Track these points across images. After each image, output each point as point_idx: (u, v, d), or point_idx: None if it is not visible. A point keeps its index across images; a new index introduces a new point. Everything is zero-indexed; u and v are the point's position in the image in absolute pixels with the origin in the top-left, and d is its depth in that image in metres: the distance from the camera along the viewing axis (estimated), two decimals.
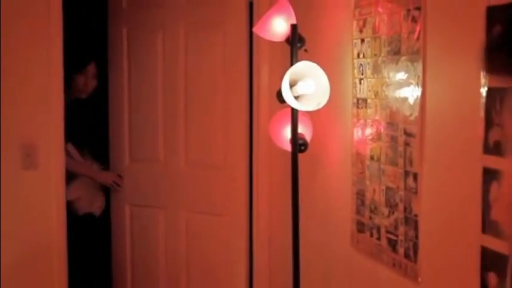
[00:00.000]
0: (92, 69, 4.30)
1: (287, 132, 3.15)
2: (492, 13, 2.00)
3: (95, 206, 4.59)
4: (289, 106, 3.04)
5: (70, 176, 4.19)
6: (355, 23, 2.96)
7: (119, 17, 4.54)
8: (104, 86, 4.50)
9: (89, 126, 4.57)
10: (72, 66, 4.08)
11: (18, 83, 3.66)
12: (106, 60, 4.54)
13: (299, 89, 2.99)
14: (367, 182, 2.89)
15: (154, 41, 4.36)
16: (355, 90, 2.97)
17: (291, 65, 3.02)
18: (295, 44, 3.06)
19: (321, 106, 2.94)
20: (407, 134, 2.54)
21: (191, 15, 4.22)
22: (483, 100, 2.02)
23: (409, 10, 2.51)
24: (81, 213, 4.50)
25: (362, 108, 2.91)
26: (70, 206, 4.33)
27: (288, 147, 3.15)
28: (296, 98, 2.99)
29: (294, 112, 3.07)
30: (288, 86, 2.93)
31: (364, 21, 2.87)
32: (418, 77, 2.45)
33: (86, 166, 4.53)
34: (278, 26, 3.09)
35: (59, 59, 3.67)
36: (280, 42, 3.18)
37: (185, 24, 4.24)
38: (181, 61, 4.26)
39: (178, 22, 4.25)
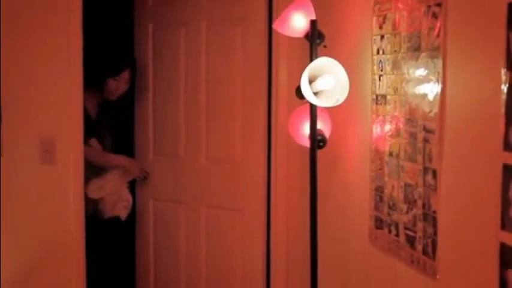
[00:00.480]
0: (125, 75, 4.33)
1: (306, 128, 3.15)
2: None
3: (120, 207, 4.55)
4: (308, 102, 3.04)
5: (92, 173, 4.22)
6: (374, 19, 2.96)
7: (144, 14, 4.58)
8: (131, 85, 4.54)
9: (116, 123, 4.62)
10: (108, 70, 4.24)
11: (37, 79, 3.69)
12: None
13: (318, 85, 2.99)
14: (386, 179, 2.88)
15: (178, 37, 4.39)
16: (375, 86, 2.97)
17: (310, 61, 3.02)
18: (315, 40, 3.06)
19: (340, 102, 2.93)
20: (427, 130, 2.54)
21: (212, 11, 4.23)
22: (504, 97, 2.02)
23: (429, 6, 2.50)
24: (105, 217, 4.49)
25: (381, 104, 2.91)
26: (94, 209, 4.36)
27: (307, 143, 3.15)
28: (315, 94, 2.99)
29: (313, 108, 3.07)
30: (307, 82, 2.93)
31: (384, 17, 2.87)
32: (438, 73, 2.44)
33: (114, 157, 4.55)
34: (297, 22, 3.09)
35: (78, 56, 3.70)
36: (299, 38, 3.18)
37: (206, 20, 4.25)
38: (202, 58, 4.27)
39: (200, 18, 4.26)
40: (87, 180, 3.97)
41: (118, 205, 4.55)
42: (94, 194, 4.36)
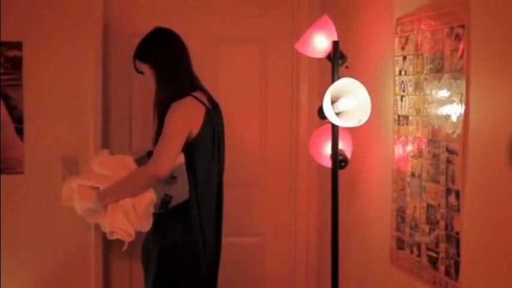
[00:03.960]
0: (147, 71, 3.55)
1: (327, 148, 3.16)
2: None
3: None
4: (329, 122, 3.06)
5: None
6: (397, 40, 2.97)
7: None
8: None
9: None
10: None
11: (59, 96, 3.73)
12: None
13: (340, 105, 3.00)
14: (408, 199, 2.88)
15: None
16: (396, 107, 2.98)
17: (332, 81, 3.03)
18: (337, 61, 3.08)
19: (362, 123, 2.95)
20: (450, 151, 2.54)
21: (229, 29, 4.23)
22: None
23: (452, 28, 2.52)
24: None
25: (403, 125, 2.92)
26: None
27: (328, 163, 3.16)
28: (337, 114, 3.00)
29: (335, 128, 3.08)
30: (329, 103, 2.95)
31: (407, 38, 2.88)
32: (462, 94, 2.45)
33: None
34: (320, 42, 3.11)
35: (99, 71, 3.76)
36: (319, 59, 3.20)
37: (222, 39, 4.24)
38: (221, 77, 4.27)
39: (215, 36, 4.24)
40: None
41: None
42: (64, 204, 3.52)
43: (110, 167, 3.35)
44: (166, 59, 3.40)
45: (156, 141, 3.29)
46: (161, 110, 3.32)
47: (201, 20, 4.10)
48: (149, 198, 3.23)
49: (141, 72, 3.44)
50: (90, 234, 3.80)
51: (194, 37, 3.93)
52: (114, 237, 3.27)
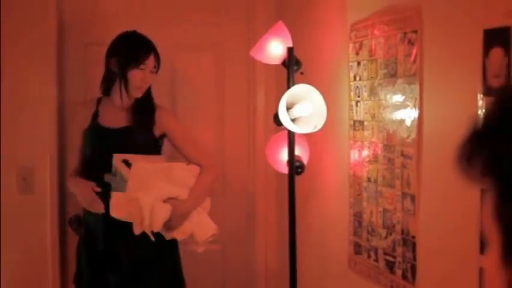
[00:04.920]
0: (150, 62, 3.38)
1: (284, 155, 3.16)
2: (489, 36, 2.03)
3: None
4: (285, 129, 3.06)
5: None
6: (351, 45, 2.98)
7: None
8: None
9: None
10: (128, 60, 3.37)
11: (14, 106, 3.68)
12: None
13: (296, 111, 3.00)
14: (364, 204, 2.89)
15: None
16: (352, 112, 2.99)
17: (288, 87, 3.04)
18: (292, 67, 3.08)
19: (317, 129, 2.95)
20: (405, 156, 2.55)
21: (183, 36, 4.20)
22: None
23: (405, 33, 2.53)
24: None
25: (359, 130, 2.93)
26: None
27: (285, 169, 3.16)
28: (293, 120, 3.00)
29: (291, 135, 3.09)
30: (285, 109, 2.95)
31: (361, 43, 2.89)
32: (415, 99, 2.46)
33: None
34: (275, 49, 3.11)
35: (53, 80, 3.73)
36: (275, 65, 3.20)
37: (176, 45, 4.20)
38: (177, 84, 4.24)
39: (171, 42, 4.21)
40: None
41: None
42: (117, 215, 3.25)
43: (187, 177, 3.36)
44: None
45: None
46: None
47: (157, 27, 4.07)
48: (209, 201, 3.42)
49: (155, 71, 3.43)
50: (46, 249, 3.74)
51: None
52: (204, 247, 3.39)
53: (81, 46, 3.92)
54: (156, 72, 3.42)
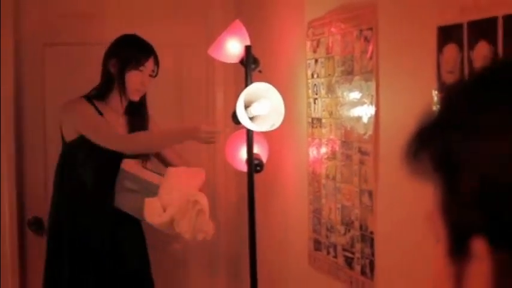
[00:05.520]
0: (150, 65, 3.39)
1: (243, 153, 3.16)
2: (443, 33, 2.05)
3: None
4: (244, 127, 3.06)
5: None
6: (308, 43, 2.99)
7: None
8: None
9: None
10: (128, 60, 3.35)
11: None
12: None
13: (254, 110, 3.01)
14: (323, 201, 2.91)
15: None
16: (310, 110, 3.00)
17: (246, 86, 3.04)
18: (250, 66, 3.09)
19: (275, 127, 2.96)
20: (362, 152, 2.57)
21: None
22: None
23: (361, 30, 2.55)
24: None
25: (317, 127, 2.94)
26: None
27: (244, 168, 3.17)
28: (251, 119, 3.01)
29: (249, 133, 3.09)
30: (243, 107, 2.95)
31: (318, 41, 2.91)
32: (372, 96, 2.48)
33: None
34: (232, 47, 3.11)
35: (10, 83, 3.69)
36: (234, 64, 3.20)
37: None
38: None
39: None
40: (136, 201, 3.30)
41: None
42: (158, 220, 3.24)
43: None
44: None
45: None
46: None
47: (115, 26, 4.05)
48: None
49: (154, 75, 3.46)
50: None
51: (109, 43, 3.89)
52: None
53: (40, 47, 3.86)
54: (155, 76, 3.44)
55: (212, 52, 3.19)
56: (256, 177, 3.15)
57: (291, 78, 3.21)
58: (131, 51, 3.34)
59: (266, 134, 3.17)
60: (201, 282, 4.18)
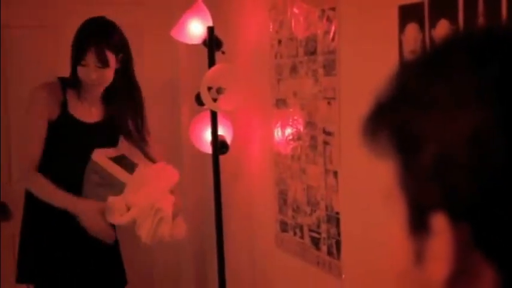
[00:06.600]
0: (90, 58, 3.03)
1: (208, 135, 3.15)
2: (404, 12, 2.05)
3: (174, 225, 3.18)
4: (208, 109, 3.04)
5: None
6: (271, 24, 2.98)
7: None
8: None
9: None
10: (72, 55, 3.10)
11: None
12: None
13: (217, 91, 2.99)
14: (289, 182, 2.91)
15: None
16: (275, 90, 2.99)
17: (209, 67, 3.02)
18: (212, 47, 3.07)
19: (238, 107, 2.95)
20: (326, 132, 2.57)
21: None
22: None
23: (323, 10, 2.54)
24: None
25: (281, 108, 2.93)
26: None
27: (209, 149, 3.15)
28: (214, 100, 2.99)
29: (214, 114, 3.07)
30: (206, 89, 2.93)
31: (281, 22, 2.89)
32: (335, 76, 2.48)
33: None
34: (195, 28, 3.09)
35: None
36: (198, 45, 3.18)
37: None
38: None
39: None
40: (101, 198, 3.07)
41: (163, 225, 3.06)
42: (118, 220, 3.03)
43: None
44: (130, 49, 3.17)
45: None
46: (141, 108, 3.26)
47: (76, 9, 3.98)
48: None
49: (105, 66, 3.02)
50: None
51: (69, 26, 3.83)
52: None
53: None
54: (105, 67, 3.03)
55: (174, 33, 3.16)
56: (222, 159, 3.14)
57: (255, 59, 3.19)
58: (73, 46, 3.08)
59: (231, 116, 3.16)
60: (168, 260, 4.16)
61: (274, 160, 3.04)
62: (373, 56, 2.26)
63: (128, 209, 2.97)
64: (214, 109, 3.00)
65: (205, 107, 3.05)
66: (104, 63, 3.01)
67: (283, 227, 2.99)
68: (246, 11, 3.32)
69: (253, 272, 3.41)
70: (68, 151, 3.12)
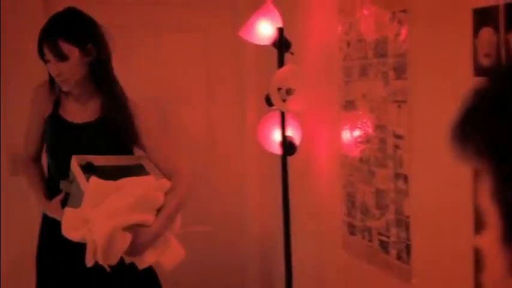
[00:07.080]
0: (47, 52, 2.83)
1: (275, 135, 3.14)
2: (478, 15, 2.01)
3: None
4: (277, 109, 3.04)
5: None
6: (340, 26, 2.96)
7: None
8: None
9: None
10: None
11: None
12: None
13: (287, 92, 2.99)
14: (357, 184, 2.89)
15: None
16: (343, 92, 2.97)
17: (278, 68, 3.02)
18: (282, 48, 3.06)
19: (307, 109, 2.94)
20: (397, 136, 2.54)
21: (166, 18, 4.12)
22: None
23: (394, 13, 2.51)
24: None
25: (350, 110, 2.91)
26: None
27: (277, 150, 3.15)
28: (284, 101, 2.99)
29: (283, 115, 3.07)
30: (276, 90, 2.93)
31: (350, 24, 2.87)
32: (406, 79, 2.45)
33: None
34: (264, 29, 3.09)
35: None
36: (266, 46, 3.18)
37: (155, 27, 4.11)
38: (163, 66, 4.15)
39: (156, 25, 4.12)
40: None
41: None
42: (72, 234, 2.63)
43: (156, 196, 2.71)
44: (103, 40, 2.87)
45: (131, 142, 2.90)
46: (123, 108, 2.89)
47: (140, 10, 4.01)
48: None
49: (63, 59, 2.78)
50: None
51: (133, 27, 3.86)
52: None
53: None
54: (63, 60, 2.79)
55: (243, 34, 3.16)
56: (290, 160, 3.13)
57: (323, 60, 3.17)
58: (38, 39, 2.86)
59: (299, 117, 3.15)
60: (232, 261, 4.17)
61: (341, 162, 3.02)
62: (445, 59, 2.23)
63: (86, 223, 2.58)
64: (283, 110, 3.00)
65: (272, 107, 3.05)
66: (61, 57, 2.78)
67: (351, 229, 2.97)
68: (314, 12, 3.30)
69: (320, 273, 3.40)
70: (54, 151, 2.95)
